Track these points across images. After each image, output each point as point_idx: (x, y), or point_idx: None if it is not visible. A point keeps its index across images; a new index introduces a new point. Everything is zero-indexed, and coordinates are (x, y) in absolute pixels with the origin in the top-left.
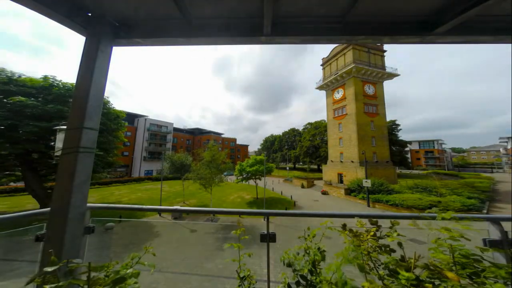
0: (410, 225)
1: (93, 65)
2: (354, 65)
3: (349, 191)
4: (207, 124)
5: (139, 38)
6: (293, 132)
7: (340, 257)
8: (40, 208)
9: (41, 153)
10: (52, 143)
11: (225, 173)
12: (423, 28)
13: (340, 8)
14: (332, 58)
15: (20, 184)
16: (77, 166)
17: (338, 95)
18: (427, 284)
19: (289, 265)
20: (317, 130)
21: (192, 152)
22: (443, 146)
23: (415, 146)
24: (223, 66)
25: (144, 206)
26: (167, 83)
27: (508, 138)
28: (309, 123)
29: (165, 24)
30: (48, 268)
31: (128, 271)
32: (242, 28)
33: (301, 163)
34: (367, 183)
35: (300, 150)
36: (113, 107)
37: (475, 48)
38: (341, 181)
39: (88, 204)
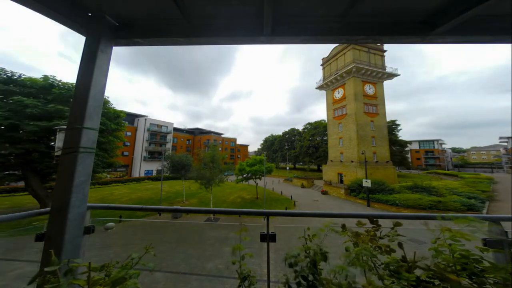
0: (415, 230)
1: (93, 65)
2: (354, 65)
3: (349, 191)
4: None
5: (139, 38)
6: (293, 132)
7: (344, 259)
8: (40, 208)
9: (41, 153)
10: (52, 143)
11: (225, 173)
12: (423, 28)
13: (340, 8)
14: (332, 58)
15: (20, 184)
16: (77, 166)
17: (338, 95)
18: (427, 284)
19: (291, 265)
20: (317, 130)
21: (192, 152)
22: (443, 146)
23: (415, 146)
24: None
25: (144, 206)
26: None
27: (508, 138)
28: (309, 123)
29: (165, 24)
30: (48, 268)
31: (128, 271)
32: (242, 28)
33: (301, 163)
34: (367, 183)
35: (300, 150)
36: (113, 107)
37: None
38: (341, 181)
39: (88, 204)
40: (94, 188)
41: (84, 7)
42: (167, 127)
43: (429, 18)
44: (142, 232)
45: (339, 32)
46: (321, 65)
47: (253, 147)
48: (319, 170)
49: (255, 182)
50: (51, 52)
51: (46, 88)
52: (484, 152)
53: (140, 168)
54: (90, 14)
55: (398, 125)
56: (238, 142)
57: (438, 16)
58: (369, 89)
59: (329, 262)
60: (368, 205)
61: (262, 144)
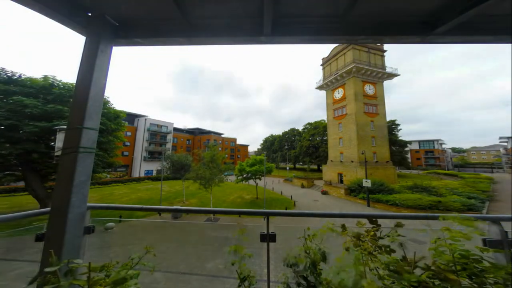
0: (415, 230)
1: (93, 65)
2: (354, 65)
3: (349, 191)
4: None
5: (139, 38)
6: (292, 132)
7: (341, 262)
8: (40, 208)
9: (41, 153)
10: (52, 143)
11: (225, 173)
12: (423, 28)
13: (340, 8)
14: (332, 58)
15: (20, 184)
16: (77, 166)
17: (338, 95)
18: (427, 285)
19: (290, 265)
20: (316, 130)
21: (192, 152)
22: (443, 146)
23: (415, 146)
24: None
25: (144, 206)
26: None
27: (508, 138)
28: (308, 123)
29: (165, 24)
30: (48, 269)
31: (128, 271)
32: (242, 28)
33: (301, 163)
34: (367, 183)
35: (300, 150)
36: (113, 107)
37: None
38: (341, 181)
39: (88, 204)
40: (94, 188)
41: (84, 7)
42: (167, 127)
43: (429, 18)
44: (142, 232)
45: (339, 32)
46: (321, 65)
47: (254, 146)
48: (319, 170)
49: (255, 182)
50: (51, 52)
51: (46, 88)
52: (484, 152)
53: (140, 168)
54: (90, 14)
55: (398, 125)
56: (244, 138)
57: (438, 16)
58: (369, 89)
59: (329, 263)
60: (368, 205)
61: (262, 144)
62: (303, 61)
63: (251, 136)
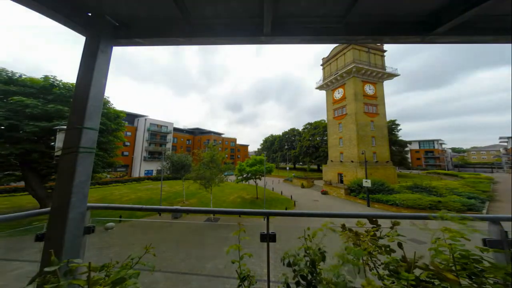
0: (411, 225)
1: (93, 65)
2: (354, 65)
3: (349, 191)
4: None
5: (139, 38)
6: (292, 132)
7: (338, 258)
8: (40, 208)
9: (41, 153)
10: (52, 143)
11: (225, 173)
12: (423, 28)
13: (340, 8)
14: (332, 58)
15: (20, 184)
16: (77, 166)
17: (338, 95)
18: (426, 284)
19: (289, 265)
20: (317, 130)
21: (192, 152)
22: (443, 146)
23: (415, 146)
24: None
25: (144, 206)
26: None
27: (508, 138)
28: (308, 123)
29: (165, 24)
30: (48, 268)
31: (128, 271)
32: (242, 28)
33: (301, 163)
34: (367, 183)
35: (300, 150)
36: (113, 107)
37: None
38: (341, 181)
39: (88, 204)
40: (94, 188)
41: (84, 7)
42: (167, 127)
43: (429, 18)
44: (142, 232)
45: (339, 32)
46: (321, 65)
47: (254, 146)
48: (319, 170)
49: (255, 182)
50: (51, 52)
51: (46, 88)
52: (484, 152)
53: (140, 168)
54: (90, 14)
55: (398, 125)
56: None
57: (438, 16)
58: (369, 89)
59: (328, 262)
60: (368, 205)
61: (262, 144)
62: (310, 54)
63: (257, 134)
